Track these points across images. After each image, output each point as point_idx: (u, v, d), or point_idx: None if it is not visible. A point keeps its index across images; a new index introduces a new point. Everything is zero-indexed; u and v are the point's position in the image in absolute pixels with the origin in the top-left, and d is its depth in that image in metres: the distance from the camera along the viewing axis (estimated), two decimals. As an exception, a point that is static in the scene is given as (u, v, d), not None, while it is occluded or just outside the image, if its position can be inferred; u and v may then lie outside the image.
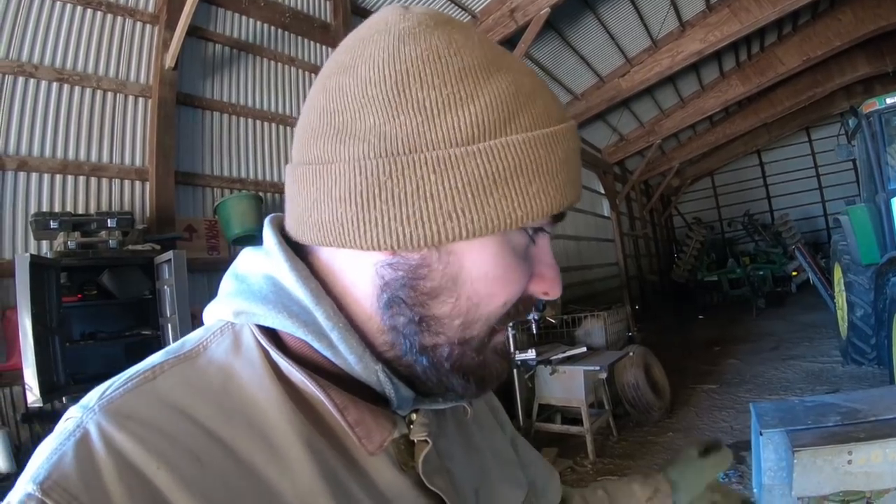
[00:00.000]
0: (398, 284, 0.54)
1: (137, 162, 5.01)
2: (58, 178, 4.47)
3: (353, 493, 0.53)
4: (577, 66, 11.32)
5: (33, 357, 3.41)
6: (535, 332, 6.24)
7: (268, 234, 0.60)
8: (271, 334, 0.57)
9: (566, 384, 6.05)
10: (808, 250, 10.17)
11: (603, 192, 16.46)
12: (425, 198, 0.50)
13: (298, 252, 0.59)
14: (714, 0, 10.27)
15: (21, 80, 4.33)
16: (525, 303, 0.59)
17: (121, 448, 0.45)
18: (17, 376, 3.77)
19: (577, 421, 5.97)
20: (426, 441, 0.59)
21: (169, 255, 4.35)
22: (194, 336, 0.58)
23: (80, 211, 4.53)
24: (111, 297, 4.37)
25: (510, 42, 8.43)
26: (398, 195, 0.50)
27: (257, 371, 0.54)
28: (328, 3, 7.07)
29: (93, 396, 0.51)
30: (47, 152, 4.43)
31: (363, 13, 7.35)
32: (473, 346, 0.57)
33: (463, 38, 0.55)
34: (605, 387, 6.32)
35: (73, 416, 0.49)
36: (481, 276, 0.54)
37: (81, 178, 4.61)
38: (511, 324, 0.62)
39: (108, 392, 0.50)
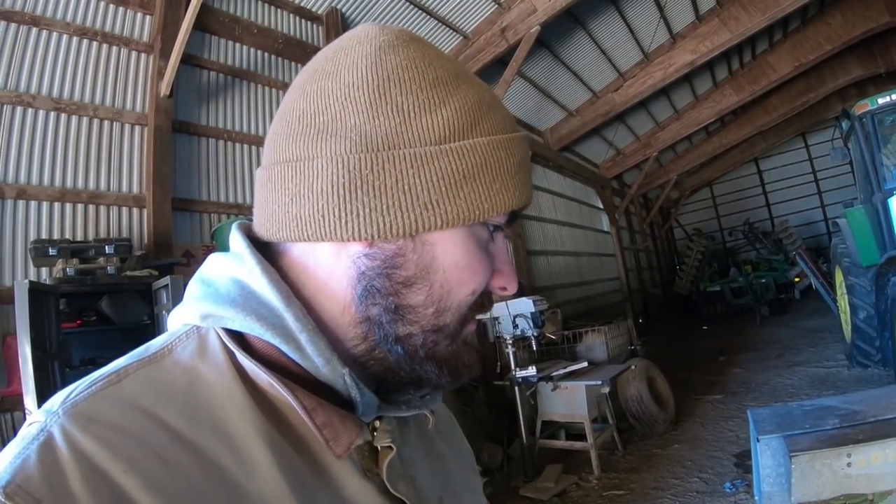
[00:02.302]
0: (374, 274, 0.57)
1: (135, 189, 5.05)
2: (56, 205, 4.51)
3: (316, 495, 0.54)
4: (570, 83, 11.42)
5: (33, 383, 3.41)
6: (535, 348, 6.20)
7: (237, 238, 0.62)
8: (238, 338, 0.57)
9: (568, 400, 6.03)
10: (810, 255, 10.16)
11: (602, 206, 16.49)
12: (404, 190, 0.54)
13: (265, 252, 0.61)
14: (703, 11, 10.39)
15: (19, 109, 4.40)
16: (487, 297, 0.64)
17: (85, 450, 0.46)
18: (17, 402, 3.78)
19: (581, 436, 5.93)
20: (390, 447, 0.61)
21: (167, 280, 4.35)
22: (159, 340, 0.59)
23: (79, 238, 4.56)
24: (110, 323, 4.38)
25: (502, 61, 8.52)
26: (379, 187, 0.54)
27: (223, 373, 0.55)
28: (320, 28, 7.16)
29: (56, 400, 0.51)
30: (46, 180, 4.48)
31: (356, 37, 7.43)
32: (446, 333, 0.60)
33: (434, 53, 0.61)
34: (608, 401, 6.28)
35: (37, 420, 0.49)
36: (452, 265, 0.58)
37: (80, 206, 4.65)
38: (479, 316, 0.65)
39: (71, 396, 0.51)
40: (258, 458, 0.51)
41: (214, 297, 0.59)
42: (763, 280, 16.44)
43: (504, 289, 0.64)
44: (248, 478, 0.50)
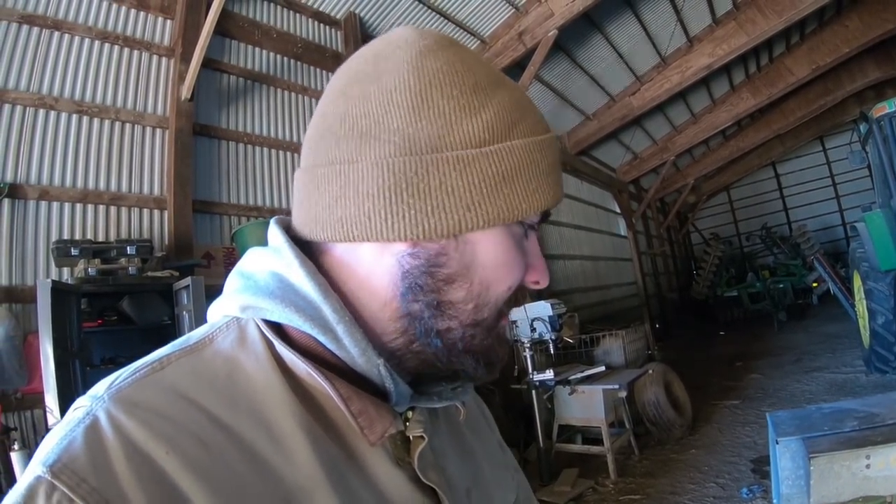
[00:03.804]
0: (418, 272, 0.58)
1: (156, 191, 5.11)
2: (78, 206, 4.57)
3: (350, 481, 0.56)
4: (587, 87, 11.41)
5: (54, 381, 3.46)
6: (552, 352, 6.19)
7: (275, 233, 0.64)
8: (277, 329, 0.59)
9: (585, 404, 6.00)
10: (828, 260, 10.04)
11: (619, 211, 16.41)
12: (447, 192, 0.56)
13: (306, 250, 0.62)
14: (720, 14, 10.33)
15: (42, 112, 4.46)
16: (521, 291, 0.66)
17: (129, 433, 0.47)
18: (38, 399, 3.82)
19: (597, 441, 5.89)
20: (422, 437, 0.62)
21: (187, 281, 4.40)
22: (200, 331, 0.61)
23: (101, 239, 4.62)
24: (131, 323, 4.43)
25: (520, 65, 8.53)
26: (423, 189, 0.56)
27: (262, 362, 0.57)
28: (339, 33, 7.21)
29: (101, 386, 0.53)
30: (68, 182, 4.54)
31: (373, 41, 7.47)
32: (484, 327, 0.62)
33: (472, 57, 0.62)
34: (625, 405, 6.24)
35: (83, 405, 0.51)
36: (491, 263, 0.60)
37: (101, 207, 4.71)
38: (511, 311, 0.67)
39: (116, 382, 0.53)
40: (295, 445, 0.53)
41: (254, 290, 0.60)
42: (781, 285, 16.27)
43: (537, 282, 0.66)
44: (284, 464, 0.52)
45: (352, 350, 0.57)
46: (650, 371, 6.67)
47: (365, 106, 0.57)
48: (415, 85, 0.57)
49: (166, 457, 0.47)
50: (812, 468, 1.86)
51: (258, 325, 0.59)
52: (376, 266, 0.59)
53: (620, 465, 5.79)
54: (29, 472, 0.46)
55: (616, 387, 5.86)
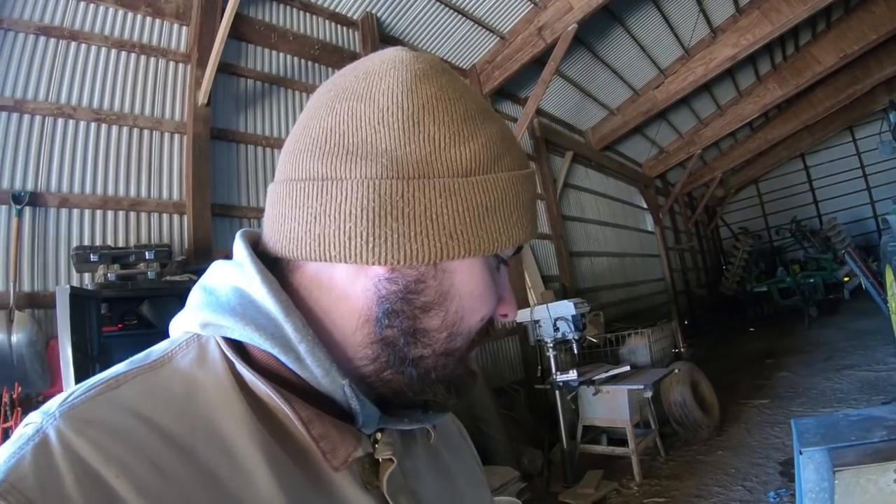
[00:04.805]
0: (395, 298, 0.58)
1: (175, 196, 5.15)
2: (98, 213, 4.61)
3: None
4: (610, 81, 11.26)
5: (74, 384, 3.50)
6: (576, 352, 6.12)
7: (239, 247, 0.62)
8: (238, 347, 0.58)
9: (610, 404, 5.94)
10: (859, 254, 9.78)
11: (645, 206, 16.20)
12: (431, 218, 0.56)
13: (276, 266, 0.61)
14: (743, 3, 10.11)
15: (60, 121, 4.51)
16: (491, 323, 0.67)
17: (80, 453, 0.46)
18: (59, 404, 3.86)
19: (623, 442, 5.83)
20: (391, 460, 0.60)
21: (206, 284, 4.41)
22: (160, 347, 0.59)
23: (120, 244, 4.66)
24: (151, 327, 4.46)
25: (540, 61, 8.43)
26: (408, 214, 0.55)
27: (221, 382, 0.55)
28: (356, 33, 7.20)
29: (54, 403, 0.51)
30: (87, 189, 4.58)
31: (391, 41, 7.47)
32: (456, 356, 0.62)
33: (463, 87, 0.63)
34: (650, 406, 6.17)
35: (33, 422, 0.50)
36: (467, 293, 0.60)
37: (121, 213, 4.75)
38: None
39: (69, 399, 0.51)
40: (254, 468, 0.51)
41: (215, 306, 0.59)
42: (811, 280, 15.92)
43: (506, 315, 0.67)
44: (243, 486, 0.50)
45: (314, 370, 0.55)
46: (676, 370, 6.58)
47: (354, 123, 0.57)
48: (408, 108, 0.57)
49: (116, 480, 0.45)
50: (837, 482, 1.78)
51: (219, 344, 0.58)
52: (351, 289, 0.58)
53: (646, 467, 5.71)
54: None
55: (641, 387, 5.79)
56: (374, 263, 0.55)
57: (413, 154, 0.55)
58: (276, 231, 0.60)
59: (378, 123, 0.56)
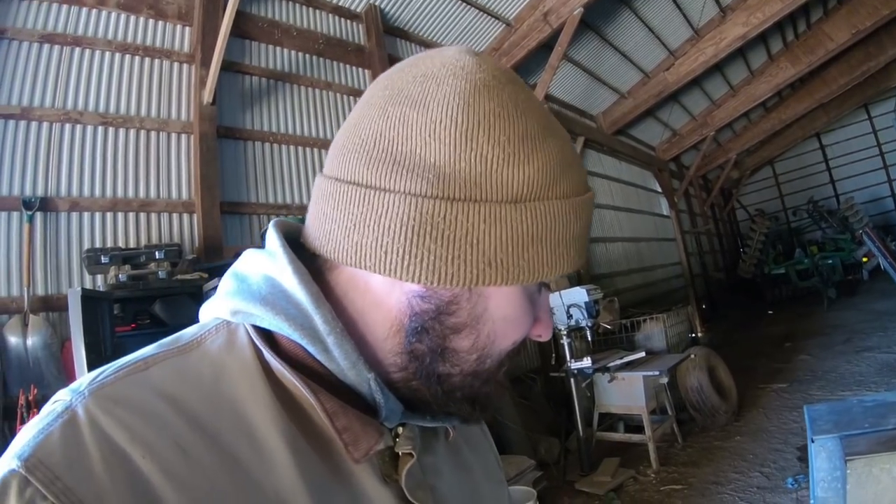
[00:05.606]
0: (427, 316, 0.57)
1: (184, 195, 5.17)
2: (108, 215, 4.65)
3: (332, 497, 0.54)
4: (619, 64, 11.14)
5: (88, 385, 3.54)
6: (590, 339, 6.09)
7: (272, 236, 0.62)
8: (266, 335, 0.58)
9: (626, 391, 5.92)
10: (877, 233, 9.62)
11: (660, 190, 16.01)
12: (472, 243, 0.53)
13: (315, 260, 0.61)
14: (752, -19, 9.92)
15: (68, 126, 4.54)
16: (523, 343, 0.65)
17: (108, 432, 0.46)
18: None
19: (639, 429, 5.80)
20: (410, 454, 0.61)
21: (216, 282, 4.41)
22: (190, 332, 0.60)
23: (131, 245, 4.70)
24: (163, 325, 4.50)
25: (547, 46, 8.34)
26: (448, 237, 0.53)
27: (249, 370, 0.56)
28: (360, 25, 7.17)
29: (83, 381, 0.52)
30: (97, 192, 4.62)
31: (396, 32, 7.45)
32: (483, 378, 0.62)
33: (527, 100, 0.59)
34: (667, 392, 6.13)
35: (62, 399, 0.50)
36: (501, 318, 0.59)
37: (131, 214, 4.79)
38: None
39: (99, 378, 0.52)
40: (276, 455, 0.52)
41: (245, 294, 0.59)
42: (829, 261, 15.73)
43: (540, 336, 0.66)
44: (264, 472, 0.51)
45: (341, 362, 0.56)
46: (692, 356, 6.53)
47: (405, 131, 0.55)
48: (462, 122, 0.54)
49: (142, 460, 0.46)
50: (849, 471, 1.74)
51: (248, 331, 0.58)
52: (385, 298, 0.58)
53: (663, 454, 5.68)
54: (2, 463, 0.45)
55: (657, 373, 5.75)
56: (406, 280, 0.54)
57: (462, 173, 0.53)
58: (318, 228, 0.60)
59: (429, 136, 0.54)
